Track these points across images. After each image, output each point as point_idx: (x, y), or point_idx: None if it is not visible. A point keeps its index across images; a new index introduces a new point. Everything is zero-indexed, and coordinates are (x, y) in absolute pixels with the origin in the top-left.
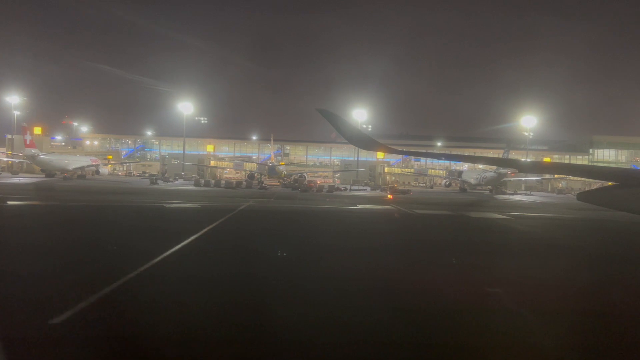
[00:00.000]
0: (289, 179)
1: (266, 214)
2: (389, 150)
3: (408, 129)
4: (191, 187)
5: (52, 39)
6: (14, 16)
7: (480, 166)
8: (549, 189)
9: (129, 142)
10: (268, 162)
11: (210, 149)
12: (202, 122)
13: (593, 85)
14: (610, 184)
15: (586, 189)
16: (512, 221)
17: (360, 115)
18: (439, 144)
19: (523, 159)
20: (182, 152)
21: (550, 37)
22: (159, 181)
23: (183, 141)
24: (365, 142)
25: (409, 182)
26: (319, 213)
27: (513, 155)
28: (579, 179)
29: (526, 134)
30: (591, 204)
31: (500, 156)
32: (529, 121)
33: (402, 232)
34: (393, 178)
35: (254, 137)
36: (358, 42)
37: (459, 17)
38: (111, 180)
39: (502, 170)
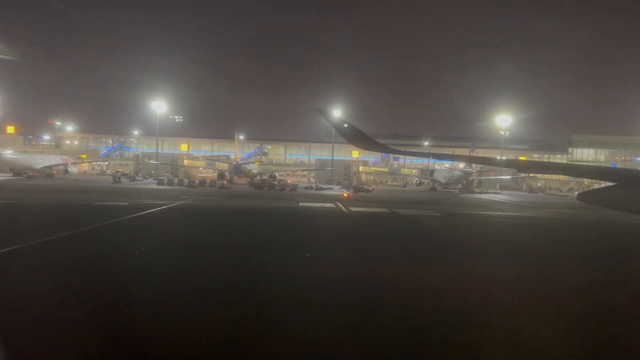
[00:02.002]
0: (257, 178)
1: (187, 212)
2: (386, 149)
3: (392, 129)
4: (153, 186)
5: (39, 38)
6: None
7: (462, 165)
8: (524, 188)
9: (110, 141)
10: (233, 160)
11: (184, 147)
12: (178, 120)
13: (573, 85)
14: (586, 182)
15: (561, 187)
16: (435, 218)
17: (338, 114)
18: (425, 143)
19: (499, 157)
20: (159, 151)
21: (534, 39)
22: (123, 180)
23: (156, 140)
24: (363, 141)
25: (386, 182)
26: (250, 211)
27: (493, 154)
28: (555, 177)
29: (502, 132)
30: (591, 204)
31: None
32: (505, 120)
33: (302, 227)
34: (372, 177)
35: (242, 137)
36: (344, 42)
37: (443, 19)
38: (77, 179)
39: (467, 169)
